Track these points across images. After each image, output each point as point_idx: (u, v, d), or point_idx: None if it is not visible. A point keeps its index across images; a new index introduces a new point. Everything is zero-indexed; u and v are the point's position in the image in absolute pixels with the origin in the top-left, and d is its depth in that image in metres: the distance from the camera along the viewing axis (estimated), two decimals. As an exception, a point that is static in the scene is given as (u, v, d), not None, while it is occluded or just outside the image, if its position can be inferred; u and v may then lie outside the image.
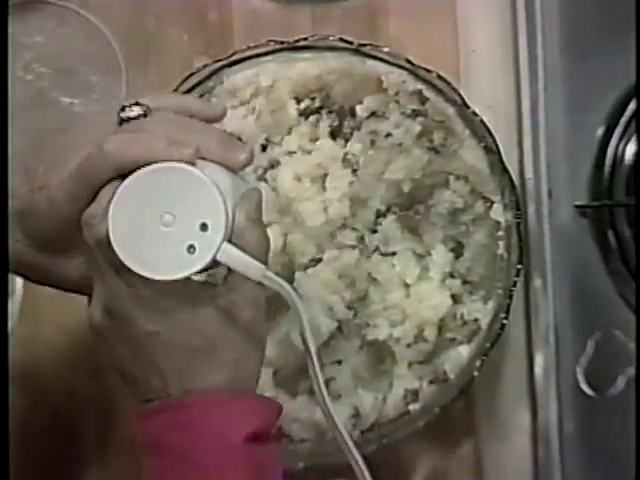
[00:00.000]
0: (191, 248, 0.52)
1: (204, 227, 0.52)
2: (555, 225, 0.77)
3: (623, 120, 0.78)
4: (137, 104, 0.55)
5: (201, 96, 0.72)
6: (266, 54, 0.72)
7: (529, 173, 0.78)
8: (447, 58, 0.79)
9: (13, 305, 0.76)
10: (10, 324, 0.75)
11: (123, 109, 0.55)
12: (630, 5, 0.77)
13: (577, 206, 0.78)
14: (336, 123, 0.74)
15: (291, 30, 0.77)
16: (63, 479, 0.81)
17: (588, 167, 0.79)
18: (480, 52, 0.80)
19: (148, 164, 0.52)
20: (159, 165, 0.52)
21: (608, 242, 0.78)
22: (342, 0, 0.80)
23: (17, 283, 0.76)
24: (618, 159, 0.79)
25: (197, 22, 0.81)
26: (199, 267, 0.52)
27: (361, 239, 0.75)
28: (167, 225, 0.52)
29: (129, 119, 0.54)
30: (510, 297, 0.70)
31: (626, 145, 0.78)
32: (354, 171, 0.74)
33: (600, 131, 0.79)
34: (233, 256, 0.53)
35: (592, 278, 0.78)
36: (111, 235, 0.52)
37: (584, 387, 0.77)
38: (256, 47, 0.72)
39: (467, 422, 0.77)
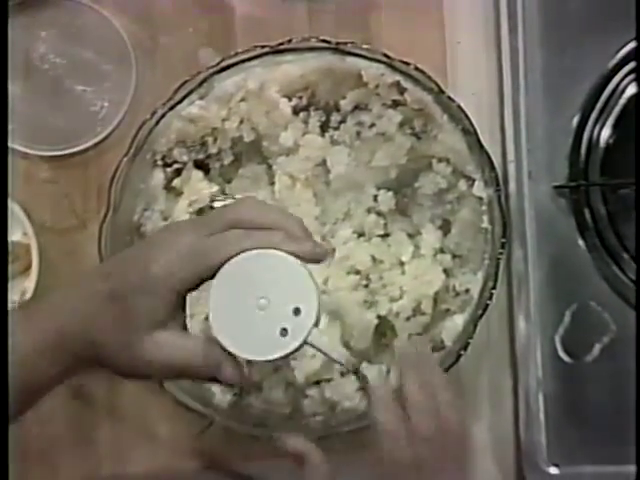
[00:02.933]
0: (284, 331, 0.54)
1: (297, 311, 0.54)
2: (535, 204, 0.79)
3: (598, 107, 0.80)
4: (224, 193, 0.60)
5: (201, 98, 0.74)
6: (251, 59, 0.74)
7: (511, 156, 0.79)
8: (434, 50, 0.80)
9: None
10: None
11: (212, 200, 0.60)
12: (601, 2, 0.79)
13: (555, 187, 0.80)
14: (324, 118, 0.76)
15: (288, 23, 0.81)
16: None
17: (565, 150, 0.80)
18: (465, 44, 0.81)
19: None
20: (257, 251, 0.54)
21: (584, 220, 0.80)
22: None
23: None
24: (593, 143, 0.80)
25: (201, 16, 0.81)
26: (292, 349, 0.55)
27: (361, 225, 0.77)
28: (262, 309, 0.54)
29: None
30: (497, 267, 0.72)
31: (601, 130, 0.80)
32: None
33: (576, 117, 0.80)
34: (322, 340, 0.55)
35: (569, 253, 0.80)
36: (210, 315, 0.54)
37: (562, 354, 0.79)
38: (243, 53, 0.73)
39: (457, 388, 0.77)
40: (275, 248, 0.55)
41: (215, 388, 0.74)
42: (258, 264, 0.54)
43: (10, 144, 0.80)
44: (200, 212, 0.76)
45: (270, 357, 0.54)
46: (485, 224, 0.74)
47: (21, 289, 0.77)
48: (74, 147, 0.80)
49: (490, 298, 0.72)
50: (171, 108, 0.74)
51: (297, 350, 0.55)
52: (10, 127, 0.79)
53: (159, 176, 0.76)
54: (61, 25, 0.81)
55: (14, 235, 0.78)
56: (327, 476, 0.61)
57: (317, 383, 0.75)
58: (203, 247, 0.55)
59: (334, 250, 0.76)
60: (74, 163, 0.81)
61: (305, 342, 0.55)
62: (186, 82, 0.73)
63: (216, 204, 0.60)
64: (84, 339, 0.57)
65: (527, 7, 0.80)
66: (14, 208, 0.77)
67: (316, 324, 0.55)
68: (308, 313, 0.55)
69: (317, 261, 0.57)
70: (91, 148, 0.80)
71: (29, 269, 0.76)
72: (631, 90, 0.80)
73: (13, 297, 0.77)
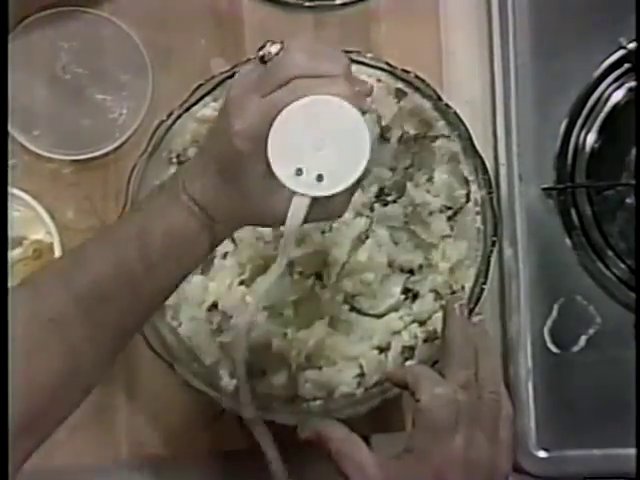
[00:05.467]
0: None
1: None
2: (525, 205, 0.81)
3: (584, 113, 0.82)
4: (272, 42, 0.56)
5: (214, 101, 0.74)
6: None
7: (502, 159, 0.81)
8: (430, 59, 0.81)
9: None
10: None
11: (262, 48, 0.56)
12: (590, 13, 0.82)
13: (544, 188, 0.82)
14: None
15: (295, 34, 0.80)
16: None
17: (553, 154, 0.82)
18: (459, 54, 0.83)
19: None
20: (313, 98, 0.53)
21: (571, 219, 0.82)
22: (339, 9, 0.83)
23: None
24: (580, 147, 0.82)
25: (213, 28, 0.82)
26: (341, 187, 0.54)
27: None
28: (319, 149, 0.54)
29: (271, 54, 0.56)
30: (488, 264, 0.74)
31: (586, 135, 0.82)
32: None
33: (564, 123, 0.82)
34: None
35: (557, 251, 0.82)
36: (270, 158, 0.54)
37: (550, 345, 0.81)
38: (254, 59, 0.73)
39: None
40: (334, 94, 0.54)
41: (223, 372, 0.76)
42: (316, 110, 0.54)
43: (35, 149, 0.81)
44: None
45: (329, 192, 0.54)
46: (478, 224, 0.75)
47: None
48: (95, 152, 0.81)
49: (481, 293, 0.74)
50: (186, 110, 0.75)
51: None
52: (36, 133, 0.81)
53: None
54: (82, 37, 0.82)
55: (38, 234, 0.79)
56: (359, 443, 0.62)
57: (319, 368, 0.77)
58: (272, 104, 0.54)
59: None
60: (95, 166, 0.82)
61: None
62: (201, 86, 0.74)
63: (267, 49, 0.55)
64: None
65: (518, 20, 0.82)
66: (38, 209, 0.78)
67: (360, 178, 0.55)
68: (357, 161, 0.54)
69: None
70: (110, 152, 0.82)
71: None
72: (615, 98, 0.82)
73: None
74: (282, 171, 0.54)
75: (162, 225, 0.58)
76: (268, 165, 0.54)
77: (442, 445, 0.60)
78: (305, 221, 0.56)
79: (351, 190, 0.56)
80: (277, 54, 0.56)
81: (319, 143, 0.54)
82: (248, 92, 0.56)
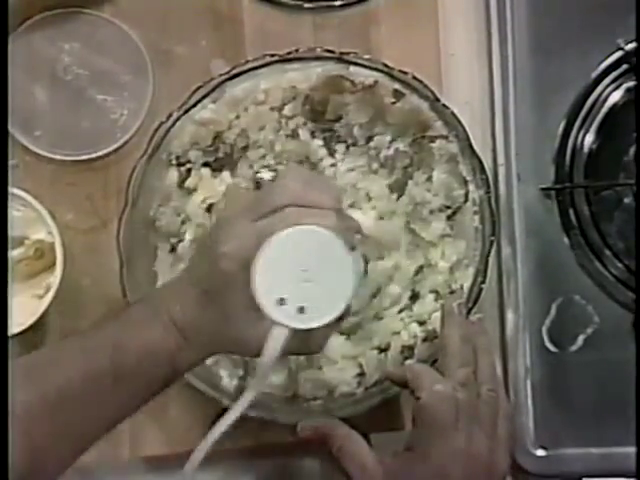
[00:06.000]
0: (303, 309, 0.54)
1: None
2: (523, 205, 0.81)
3: (582, 114, 0.82)
4: (268, 168, 0.58)
5: (213, 103, 0.75)
6: (261, 67, 0.75)
7: (501, 160, 0.81)
8: (429, 60, 0.81)
9: (54, 279, 0.76)
10: (51, 296, 0.76)
11: (257, 173, 0.58)
12: (588, 14, 0.82)
13: (542, 188, 0.82)
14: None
15: (295, 36, 0.82)
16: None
17: (552, 155, 0.82)
18: (458, 55, 0.83)
19: None
20: (301, 227, 0.54)
21: (569, 219, 0.82)
22: (339, 10, 0.82)
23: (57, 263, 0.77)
24: (578, 147, 0.82)
25: (213, 30, 0.82)
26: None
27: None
28: (303, 281, 0.54)
29: (264, 180, 0.58)
30: (486, 263, 0.74)
31: (584, 136, 0.82)
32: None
33: (562, 124, 0.82)
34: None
35: (555, 250, 0.82)
36: (256, 284, 0.54)
37: (548, 344, 0.81)
38: (252, 61, 0.75)
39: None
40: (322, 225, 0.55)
41: (223, 372, 0.76)
42: (304, 240, 0.54)
43: (36, 150, 0.81)
44: (210, 208, 0.76)
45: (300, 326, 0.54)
46: (476, 223, 0.76)
47: (46, 284, 0.78)
48: (96, 152, 0.82)
49: (480, 292, 0.74)
50: (185, 112, 0.76)
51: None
52: (37, 133, 0.81)
53: (173, 175, 0.77)
54: (83, 38, 0.82)
55: (40, 234, 0.79)
56: (360, 441, 0.63)
57: (319, 368, 0.77)
58: (262, 230, 0.55)
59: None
60: (96, 167, 0.82)
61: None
62: (200, 88, 0.75)
63: (261, 175, 0.59)
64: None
65: (516, 22, 0.82)
66: (40, 209, 0.78)
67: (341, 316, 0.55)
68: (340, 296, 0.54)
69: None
70: (111, 153, 0.82)
71: (53, 266, 0.77)
72: (613, 99, 0.82)
73: (39, 292, 0.78)
74: (265, 299, 0.54)
75: (138, 340, 0.58)
76: (251, 291, 0.54)
77: (442, 442, 0.61)
78: (282, 353, 0.55)
79: (332, 325, 0.56)
80: (271, 180, 0.57)
81: (304, 274, 0.54)
82: (239, 215, 0.57)
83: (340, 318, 0.55)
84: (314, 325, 0.55)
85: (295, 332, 0.55)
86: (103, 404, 0.58)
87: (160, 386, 0.61)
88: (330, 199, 0.57)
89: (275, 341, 0.55)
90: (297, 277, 0.54)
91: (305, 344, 0.58)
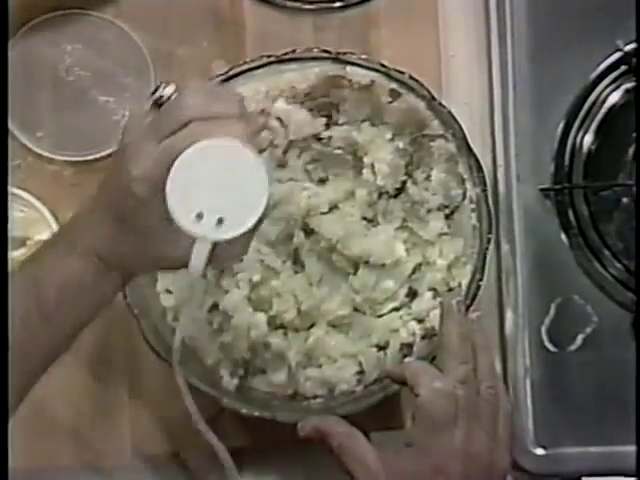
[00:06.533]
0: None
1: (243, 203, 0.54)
2: (523, 205, 0.82)
3: (581, 115, 0.82)
4: (165, 84, 0.56)
5: None
6: (259, 67, 0.75)
7: (500, 161, 0.82)
8: (430, 62, 0.82)
9: None
10: None
11: (155, 91, 0.56)
12: (587, 16, 0.82)
13: (541, 189, 0.82)
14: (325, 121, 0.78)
15: (295, 38, 0.83)
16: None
17: (551, 155, 0.82)
18: (458, 57, 0.84)
19: None
20: (209, 141, 0.53)
21: (568, 219, 0.82)
22: (339, 12, 0.83)
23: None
24: (576, 148, 0.82)
25: (214, 31, 0.83)
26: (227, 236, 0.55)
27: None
28: (218, 193, 0.54)
29: (164, 97, 0.55)
30: (484, 260, 0.74)
31: (583, 136, 0.82)
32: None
33: (561, 125, 0.82)
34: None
35: (554, 250, 0.82)
36: (168, 189, 0.53)
37: (547, 344, 0.81)
38: (251, 62, 0.75)
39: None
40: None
41: (223, 371, 0.77)
42: (212, 153, 0.54)
43: (39, 150, 0.82)
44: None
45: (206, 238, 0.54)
46: (473, 221, 0.76)
47: None
48: (97, 153, 0.82)
49: (478, 289, 0.74)
50: None
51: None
52: (39, 134, 0.82)
53: None
54: (85, 40, 0.83)
55: (42, 234, 0.80)
56: (360, 438, 0.63)
57: (319, 366, 0.77)
58: (169, 150, 0.54)
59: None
60: (97, 167, 0.82)
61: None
62: None
63: (160, 93, 0.55)
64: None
65: (515, 23, 0.82)
66: (42, 209, 0.79)
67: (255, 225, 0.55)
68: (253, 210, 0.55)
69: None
70: (113, 154, 0.80)
71: None
72: (612, 99, 0.82)
73: None
74: (182, 217, 0.54)
75: (58, 275, 0.58)
76: (168, 211, 0.54)
77: (442, 439, 0.61)
78: (208, 264, 0.56)
79: (252, 231, 0.56)
80: (170, 97, 0.56)
81: (217, 186, 0.54)
82: (144, 137, 0.56)
83: (259, 221, 0.56)
84: (234, 234, 0.55)
85: (217, 243, 0.55)
86: (35, 343, 0.58)
87: (92, 313, 0.61)
88: (233, 106, 0.56)
89: (199, 254, 0.55)
90: (211, 190, 0.54)
91: (229, 252, 0.58)
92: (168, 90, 0.56)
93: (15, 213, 0.79)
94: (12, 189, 0.78)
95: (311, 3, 0.84)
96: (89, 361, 0.83)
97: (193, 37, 0.83)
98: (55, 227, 0.79)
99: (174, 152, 0.54)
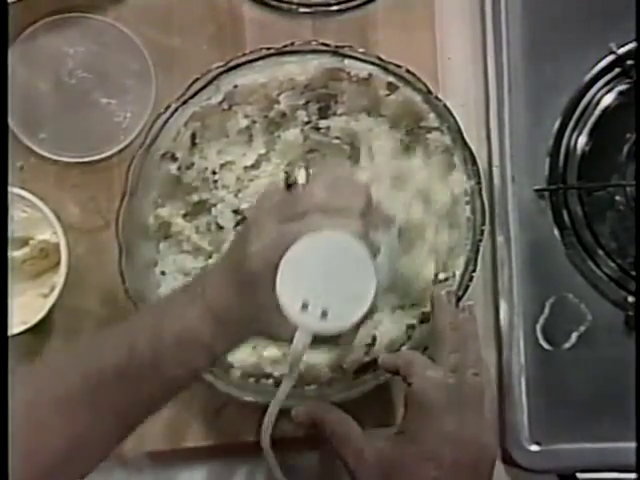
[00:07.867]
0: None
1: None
2: (517, 205, 0.82)
3: (575, 116, 0.83)
4: (300, 167, 0.59)
5: (208, 99, 0.76)
6: (258, 59, 0.76)
7: (496, 161, 0.82)
8: (426, 63, 0.82)
9: (58, 277, 0.77)
10: (55, 295, 0.77)
11: (288, 176, 0.59)
12: (581, 19, 0.83)
13: (536, 190, 0.82)
14: (319, 114, 0.78)
15: (294, 38, 0.79)
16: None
17: (545, 156, 0.83)
18: (455, 59, 0.85)
19: None
20: (326, 233, 0.55)
21: (563, 219, 0.83)
22: (337, 15, 0.83)
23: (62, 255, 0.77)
24: (571, 149, 0.83)
25: (215, 34, 0.83)
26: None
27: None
28: (326, 285, 0.55)
29: (296, 182, 0.59)
30: (477, 252, 0.75)
31: (578, 138, 0.83)
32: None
33: (555, 126, 0.83)
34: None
35: (549, 250, 0.83)
36: (278, 274, 0.55)
37: (542, 342, 0.82)
38: (249, 54, 0.76)
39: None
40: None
41: (230, 359, 0.76)
42: (327, 245, 0.55)
43: (41, 152, 0.82)
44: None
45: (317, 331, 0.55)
46: (467, 213, 0.77)
47: (51, 284, 0.78)
48: (100, 154, 0.82)
49: (470, 280, 0.75)
50: (183, 103, 0.76)
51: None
52: (42, 136, 0.82)
53: (172, 166, 0.78)
54: (87, 42, 0.83)
55: (45, 234, 0.79)
56: (352, 425, 0.65)
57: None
58: (287, 234, 0.56)
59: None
60: (100, 169, 0.83)
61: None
62: (197, 80, 0.76)
63: (293, 178, 0.59)
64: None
65: (511, 26, 0.83)
66: (45, 210, 0.78)
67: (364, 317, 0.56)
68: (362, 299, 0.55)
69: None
70: (115, 155, 0.82)
71: (58, 265, 0.78)
72: (606, 101, 0.83)
73: (44, 291, 0.79)
74: (288, 303, 0.55)
75: (177, 325, 0.60)
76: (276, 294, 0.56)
77: (432, 426, 0.62)
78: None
79: (357, 326, 0.57)
80: (301, 182, 0.59)
81: (326, 278, 0.55)
82: (269, 216, 0.58)
83: (363, 319, 0.57)
84: (336, 330, 0.56)
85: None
86: (142, 388, 0.59)
87: (197, 372, 0.63)
88: (357, 202, 0.58)
89: (299, 342, 0.57)
90: (320, 282, 0.55)
91: (332, 341, 0.61)
92: (301, 177, 0.60)
93: (18, 213, 0.79)
94: (15, 190, 0.78)
95: (309, 6, 0.84)
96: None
97: (194, 39, 0.84)
98: (58, 227, 0.79)
99: (291, 238, 0.56)
